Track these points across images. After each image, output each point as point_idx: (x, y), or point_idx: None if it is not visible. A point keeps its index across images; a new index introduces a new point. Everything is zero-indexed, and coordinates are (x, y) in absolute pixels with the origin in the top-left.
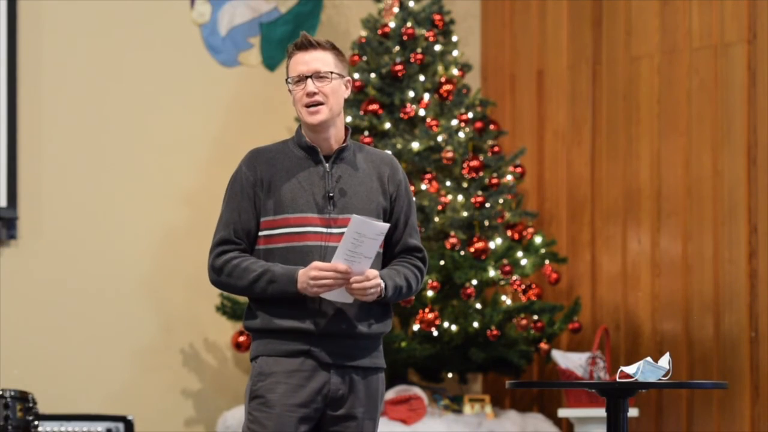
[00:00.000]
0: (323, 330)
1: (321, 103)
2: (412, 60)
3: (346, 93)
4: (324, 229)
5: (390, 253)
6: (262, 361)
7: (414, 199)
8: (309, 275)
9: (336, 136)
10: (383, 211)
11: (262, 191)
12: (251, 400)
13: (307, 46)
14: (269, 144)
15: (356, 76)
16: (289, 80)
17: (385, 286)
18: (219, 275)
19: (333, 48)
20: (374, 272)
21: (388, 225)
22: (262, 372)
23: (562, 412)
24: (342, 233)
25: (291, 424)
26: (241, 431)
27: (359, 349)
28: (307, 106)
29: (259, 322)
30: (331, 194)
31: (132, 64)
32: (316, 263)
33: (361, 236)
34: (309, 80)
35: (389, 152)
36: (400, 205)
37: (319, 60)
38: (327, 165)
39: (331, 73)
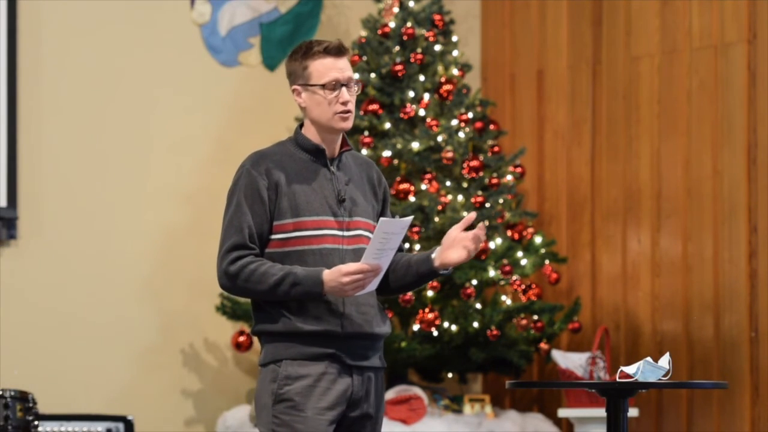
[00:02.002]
0: (348, 332)
1: (351, 111)
2: (412, 60)
3: None
4: (339, 232)
5: None
6: (288, 365)
7: None
8: (341, 282)
9: (340, 140)
10: (376, 214)
11: (276, 195)
12: (276, 404)
13: (343, 52)
14: (269, 147)
15: (356, 76)
16: (316, 85)
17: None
18: (234, 281)
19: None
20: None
21: (411, 217)
22: (289, 376)
23: (562, 412)
24: (354, 236)
25: (323, 427)
26: None
27: (373, 350)
28: (340, 112)
29: (281, 326)
30: (343, 198)
31: (132, 64)
32: (342, 269)
33: (388, 234)
34: (344, 88)
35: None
36: (387, 207)
37: (349, 68)
38: (333, 168)
39: (357, 81)
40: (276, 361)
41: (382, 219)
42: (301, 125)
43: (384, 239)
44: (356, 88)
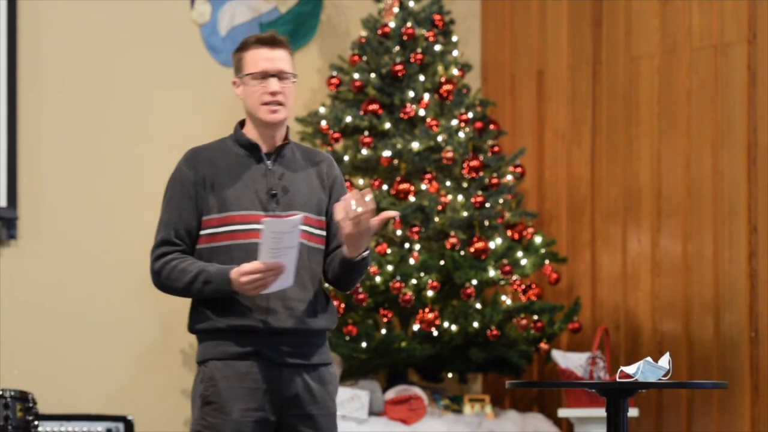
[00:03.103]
0: (271, 327)
1: (281, 103)
2: (412, 60)
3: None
4: None
5: (331, 246)
6: (213, 366)
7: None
8: (240, 282)
9: (280, 135)
10: (325, 207)
11: (204, 190)
12: (204, 406)
13: (273, 43)
14: (207, 143)
15: (356, 76)
16: (246, 74)
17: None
18: (159, 278)
19: (289, 47)
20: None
21: (301, 216)
22: (213, 377)
23: (562, 412)
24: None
25: (248, 429)
26: None
27: (307, 346)
28: (267, 104)
29: (206, 324)
30: (274, 192)
31: (132, 64)
32: (242, 268)
33: (278, 234)
34: (273, 79)
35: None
36: (338, 200)
37: (283, 60)
38: (268, 162)
39: (293, 75)
40: (204, 362)
41: (265, 219)
42: (243, 122)
43: (274, 239)
44: (290, 82)
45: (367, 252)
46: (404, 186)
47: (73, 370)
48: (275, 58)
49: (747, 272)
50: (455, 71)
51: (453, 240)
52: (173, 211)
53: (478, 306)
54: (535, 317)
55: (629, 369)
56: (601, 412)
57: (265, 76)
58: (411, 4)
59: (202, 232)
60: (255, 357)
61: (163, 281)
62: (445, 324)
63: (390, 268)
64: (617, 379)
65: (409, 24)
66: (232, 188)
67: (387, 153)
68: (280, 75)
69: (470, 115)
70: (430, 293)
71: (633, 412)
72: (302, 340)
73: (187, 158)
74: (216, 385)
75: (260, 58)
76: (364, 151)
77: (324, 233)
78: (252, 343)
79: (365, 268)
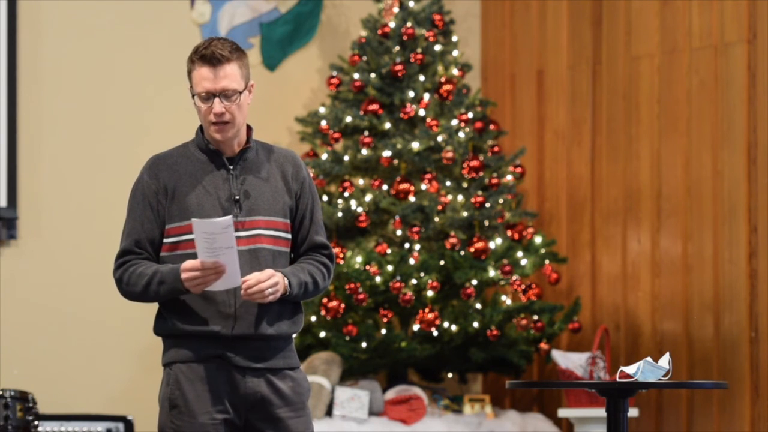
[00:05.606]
0: (234, 333)
1: (227, 122)
2: (412, 60)
3: (250, 98)
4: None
5: (296, 251)
6: (177, 369)
7: (318, 196)
8: (182, 278)
9: (239, 140)
10: (289, 209)
11: (165, 199)
12: (171, 409)
13: (215, 61)
14: (169, 149)
15: (356, 76)
16: (194, 95)
17: (289, 282)
18: (121, 286)
19: (237, 54)
20: (269, 272)
21: (230, 217)
22: (178, 380)
23: (562, 412)
24: (251, 236)
25: (212, 431)
26: None
27: (271, 350)
28: (214, 123)
29: (170, 327)
30: (236, 197)
31: (132, 65)
32: (184, 265)
33: (210, 234)
34: (216, 99)
35: (292, 150)
36: (305, 202)
37: (228, 77)
38: (231, 167)
39: (239, 92)
40: (169, 364)
41: (194, 220)
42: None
43: (207, 239)
44: (236, 98)
45: (288, 293)
46: (404, 186)
47: (73, 370)
48: (217, 77)
49: (747, 272)
50: (455, 71)
51: (453, 240)
52: (135, 221)
53: (478, 306)
54: (535, 317)
55: (629, 369)
56: (601, 412)
57: (208, 97)
58: (411, 4)
59: (166, 240)
60: (218, 360)
61: (125, 288)
62: (445, 324)
63: (390, 268)
64: (617, 379)
65: (409, 24)
66: (194, 195)
67: (387, 153)
68: (223, 94)
69: (470, 115)
70: (430, 293)
71: (633, 412)
72: (265, 344)
73: (149, 167)
74: (181, 388)
75: (203, 78)
76: (364, 151)
77: (289, 236)
78: (215, 347)
79: (304, 297)
